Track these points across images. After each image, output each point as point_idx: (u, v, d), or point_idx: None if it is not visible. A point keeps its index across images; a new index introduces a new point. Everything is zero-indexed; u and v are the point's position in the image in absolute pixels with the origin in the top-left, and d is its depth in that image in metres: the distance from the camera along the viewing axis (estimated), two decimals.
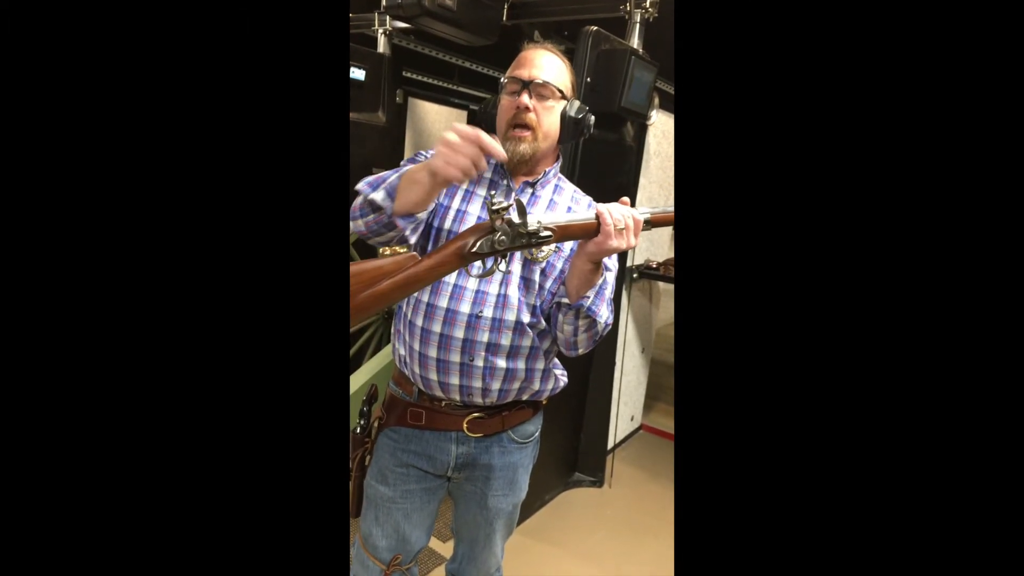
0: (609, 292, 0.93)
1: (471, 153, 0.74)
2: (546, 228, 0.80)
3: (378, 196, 0.83)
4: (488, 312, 0.92)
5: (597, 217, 0.81)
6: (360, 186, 0.87)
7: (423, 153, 0.99)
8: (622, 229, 0.81)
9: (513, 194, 0.97)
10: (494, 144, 0.75)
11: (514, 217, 0.79)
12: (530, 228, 0.79)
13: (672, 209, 0.88)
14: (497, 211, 0.77)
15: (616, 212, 0.81)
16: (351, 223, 0.88)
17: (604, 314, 0.91)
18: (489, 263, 0.84)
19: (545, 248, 0.93)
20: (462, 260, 0.80)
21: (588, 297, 0.88)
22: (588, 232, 0.82)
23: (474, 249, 0.79)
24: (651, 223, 0.86)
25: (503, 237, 0.79)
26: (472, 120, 3.41)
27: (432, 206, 0.88)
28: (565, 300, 0.91)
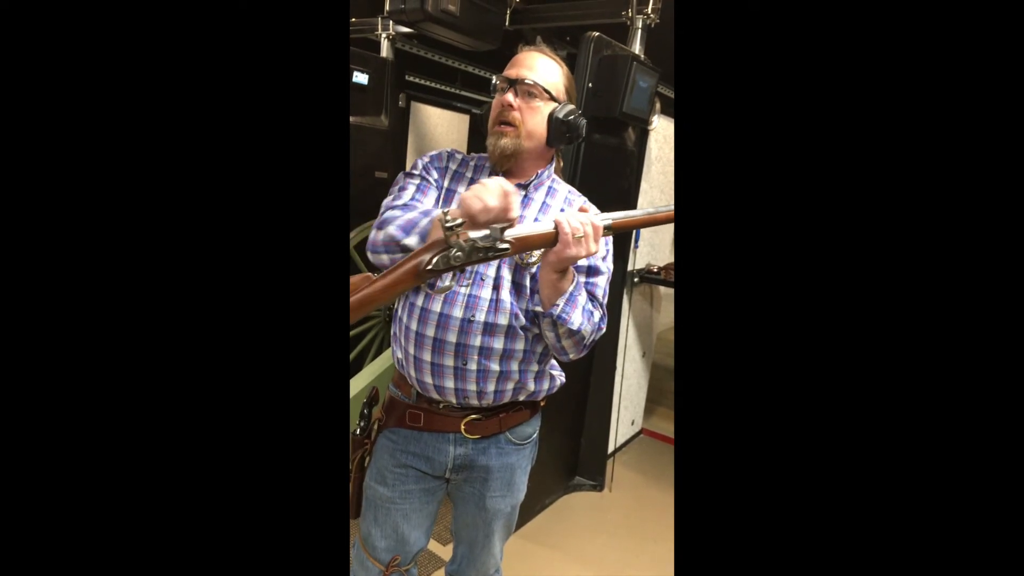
0: (587, 299, 0.92)
1: (500, 199, 0.77)
2: (502, 241, 0.79)
3: (412, 241, 0.85)
4: (480, 316, 0.93)
5: (556, 227, 0.81)
6: (392, 230, 0.88)
7: (420, 162, 1.01)
8: (580, 237, 0.80)
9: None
10: (516, 205, 0.79)
11: (470, 232, 0.78)
12: (483, 244, 0.78)
13: (634, 214, 0.88)
14: (451, 228, 0.76)
15: (574, 220, 0.81)
16: (372, 255, 0.91)
17: (577, 321, 0.90)
18: (447, 279, 0.84)
19: (535, 254, 0.92)
20: (418, 278, 0.80)
21: (558, 305, 0.88)
22: (547, 242, 0.82)
23: (429, 267, 0.79)
24: (612, 229, 0.85)
25: (459, 253, 0.78)
26: (474, 124, 3.42)
27: None
28: (539, 308, 0.91)
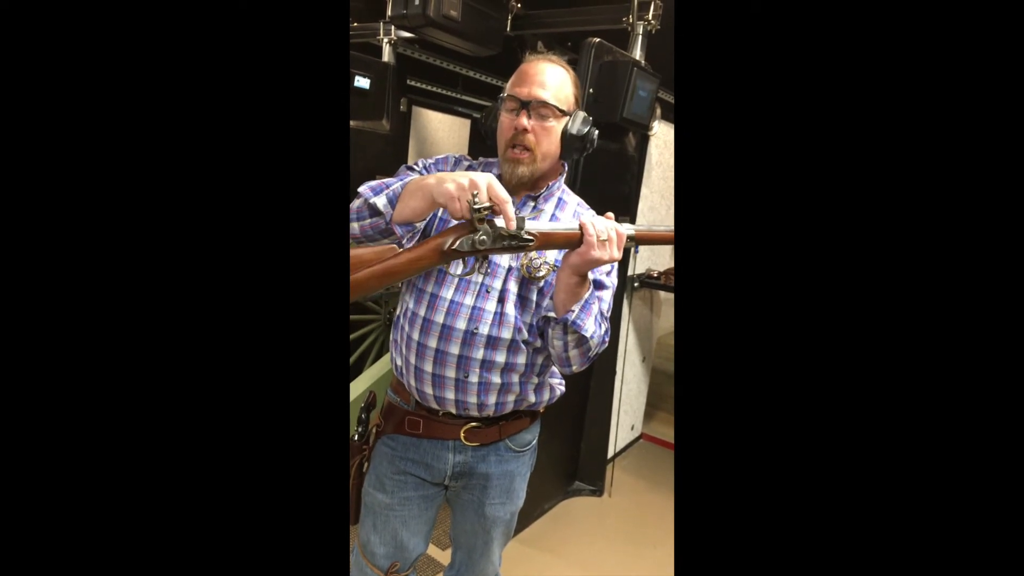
0: (599, 308, 0.91)
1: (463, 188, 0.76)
2: (528, 233, 0.80)
3: (379, 201, 0.84)
4: (484, 329, 0.92)
5: (581, 228, 0.81)
6: (361, 189, 0.87)
7: (421, 161, 1.00)
8: (605, 240, 0.80)
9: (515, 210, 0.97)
10: (512, 215, 0.78)
11: (497, 221, 0.79)
12: (511, 231, 0.79)
13: (659, 228, 0.88)
14: (478, 210, 0.76)
15: (599, 224, 0.81)
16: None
17: (590, 328, 0.88)
18: (470, 263, 0.84)
19: (544, 268, 0.93)
20: (442, 257, 0.80)
21: (573, 311, 0.86)
22: (571, 241, 0.82)
23: (454, 247, 0.79)
24: (635, 240, 0.85)
25: (484, 237, 0.79)
26: (475, 129, 3.43)
27: (430, 216, 0.88)
28: (551, 313, 0.90)
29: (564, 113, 0.93)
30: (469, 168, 1.00)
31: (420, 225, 0.85)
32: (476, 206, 0.76)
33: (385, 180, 0.88)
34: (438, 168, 0.99)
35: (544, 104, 0.91)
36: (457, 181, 0.77)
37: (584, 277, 0.86)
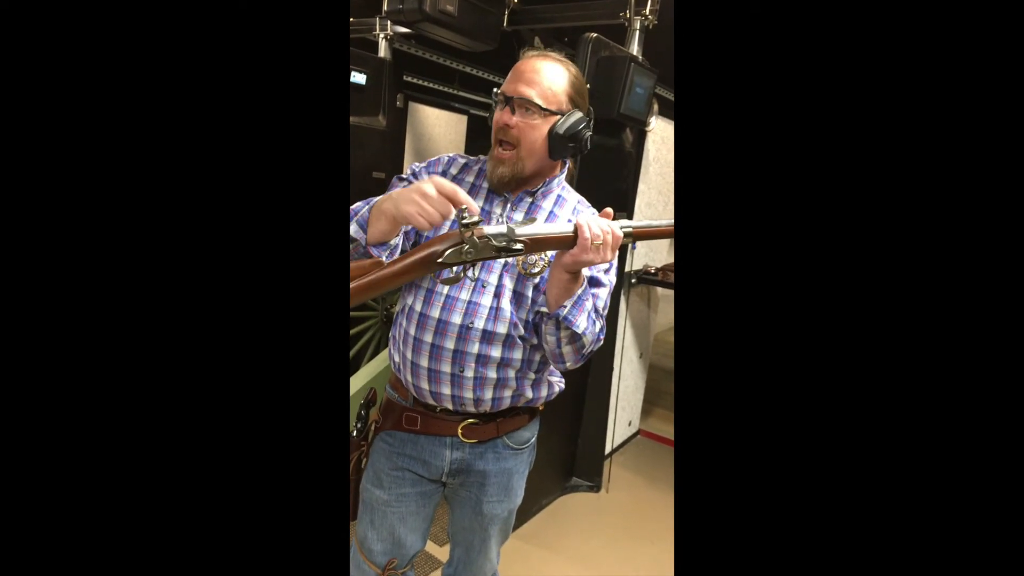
0: (593, 304, 0.90)
1: (441, 208, 0.78)
2: (517, 240, 0.79)
3: (351, 229, 0.85)
4: (479, 324, 0.92)
5: (576, 229, 0.80)
6: None
7: (414, 166, 1.00)
8: (599, 245, 0.80)
9: (505, 214, 0.97)
10: (470, 200, 0.79)
11: (485, 229, 0.79)
12: (497, 244, 0.79)
13: (655, 224, 0.88)
14: (467, 225, 0.77)
15: (595, 226, 0.80)
16: None
17: (583, 325, 0.88)
18: (457, 270, 0.84)
19: (539, 264, 0.92)
20: (428, 269, 0.80)
21: (565, 307, 0.86)
22: (564, 244, 0.81)
23: (440, 259, 0.79)
24: (632, 237, 0.85)
25: (471, 249, 0.79)
26: (472, 126, 3.43)
27: (401, 233, 0.88)
28: (544, 309, 0.90)
29: (551, 112, 0.91)
30: (465, 166, 1.00)
31: (395, 242, 0.86)
32: (465, 221, 0.76)
33: (354, 207, 0.90)
34: (430, 171, 0.99)
35: (528, 101, 0.89)
36: (411, 197, 0.78)
37: (577, 274, 0.85)
